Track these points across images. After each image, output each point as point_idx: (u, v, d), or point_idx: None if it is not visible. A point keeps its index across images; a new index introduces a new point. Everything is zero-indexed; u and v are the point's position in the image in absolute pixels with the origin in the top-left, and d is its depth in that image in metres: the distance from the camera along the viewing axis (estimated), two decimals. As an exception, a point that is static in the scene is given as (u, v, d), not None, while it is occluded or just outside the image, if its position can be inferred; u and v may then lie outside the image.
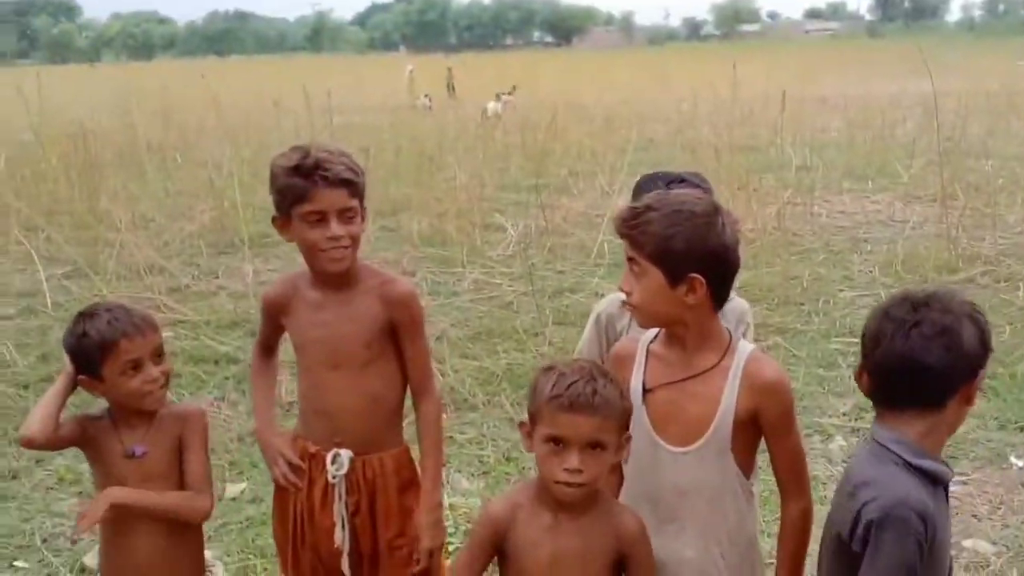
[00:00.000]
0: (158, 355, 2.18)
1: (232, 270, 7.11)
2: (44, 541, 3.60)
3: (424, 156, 10.56)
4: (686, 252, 1.79)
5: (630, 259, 1.84)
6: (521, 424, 1.85)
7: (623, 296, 2.46)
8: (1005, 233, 7.62)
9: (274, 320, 2.37)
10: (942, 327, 1.61)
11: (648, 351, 1.93)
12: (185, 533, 2.26)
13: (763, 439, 1.89)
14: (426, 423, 2.36)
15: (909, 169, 10.19)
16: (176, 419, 2.25)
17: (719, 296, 1.84)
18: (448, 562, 2.41)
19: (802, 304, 6.10)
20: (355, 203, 2.21)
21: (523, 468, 4.11)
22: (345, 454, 2.27)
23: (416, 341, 2.33)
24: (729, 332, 1.90)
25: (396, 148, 11.14)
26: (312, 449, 2.30)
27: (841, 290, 6.44)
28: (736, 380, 1.83)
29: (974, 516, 3.59)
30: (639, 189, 2.43)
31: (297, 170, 2.16)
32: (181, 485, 2.23)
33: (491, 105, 17.97)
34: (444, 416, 4.52)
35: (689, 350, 1.87)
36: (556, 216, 8.43)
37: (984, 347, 1.65)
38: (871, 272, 6.76)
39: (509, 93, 19.98)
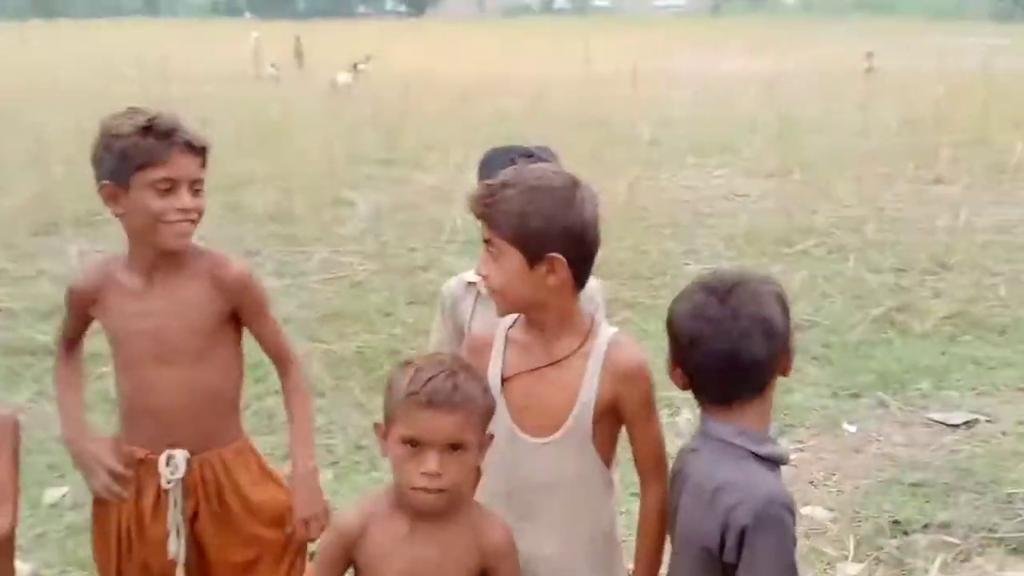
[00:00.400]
0: None
1: (54, 252, 6.59)
2: None
3: (270, 128, 10.14)
4: (544, 230, 1.69)
5: (487, 240, 1.72)
6: (376, 426, 1.71)
7: (468, 277, 2.38)
8: (836, 206, 8.00)
9: (82, 313, 2.13)
10: (759, 317, 1.60)
11: (507, 337, 1.83)
12: None
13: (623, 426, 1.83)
14: (294, 389, 2.20)
15: (749, 145, 10.56)
16: None
17: (580, 277, 1.75)
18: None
19: (651, 278, 6.20)
20: (204, 175, 2.03)
21: (373, 458, 3.97)
22: (180, 455, 2.07)
23: (263, 320, 2.16)
24: (591, 316, 1.83)
25: (239, 120, 10.64)
26: (140, 454, 2.08)
27: (687, 264, 6.59)
28: (597, 366, 1.75)
29: (810, 483, 3.72)
30: (485, 165, 2.32)
31: (149, 131, 1.95)
32: None
33: (342, 76, 17.49)
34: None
35: (548, 336, 1.78)
36: (409, 191, 8.27)
37: (789, 319, 1.67)
38: (715, 246, 6.95)
39: (363, 63, 19.51)
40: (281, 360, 2.22)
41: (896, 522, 3.30)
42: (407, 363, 1.68)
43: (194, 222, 2.03)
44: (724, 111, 13.14)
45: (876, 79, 14.69)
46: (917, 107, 10.73)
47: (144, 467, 2.09)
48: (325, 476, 3.82)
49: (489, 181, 1.74)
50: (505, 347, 1.82)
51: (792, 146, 9.24)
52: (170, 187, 1.98)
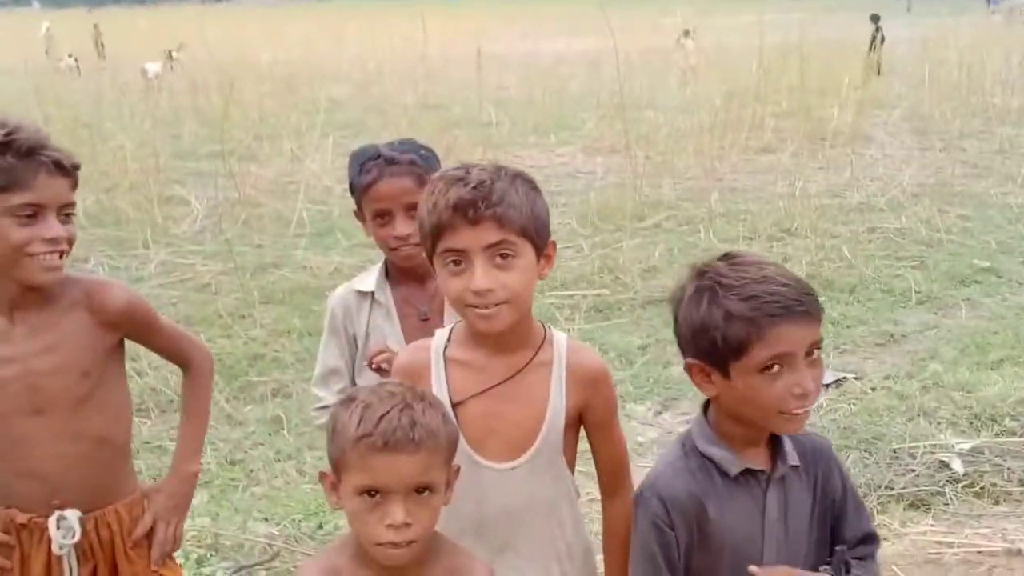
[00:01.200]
0: None
1: None
2: None
3: (79, 124, 9.33)
4: (545, 218, 1.55)
5: (494, 245, 1.50)
6: (322, 475, 1.46)
7: (356, 286, 2.16)
8: (679, 179, 8.21)
9: None
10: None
11: (445, 359, 1.64)
12: None
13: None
14: (194, 382, 1.99)
15: (586, 123, 10.71)
16: None
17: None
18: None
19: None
20: (73, 198, 1.76)
21: (250, 471, 3.69)
22: (72, 516, 1.79)
23: (157, 333, 1.92)
24: (541, 323, 1.67)
25: (44, 116, 9.72)
26: (21, 519, 1.80)
27: (545, 244, 6.56)
28: (562, 375, 1.59)
29: (705, 455, 3.75)
30: (359, 166, 2.12)
31: (8, 147, 1.66)
32: None
33: (151, 66, 16.43)
34: (148, 422, 4.01)
35: (505, 347, 1.59)
36: (245, 185, 7.81)
37: None
38: (570, 224, 6.96)
39: (176, 51, 18.41)
40: (184, 358, 1.98)
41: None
42: (350, 399, 1.44)
43: (65, 253, 1.74)
44: (557, 91, 13.26)
45: (695, 55, 15.24)
46: (737, 81, 11.18)
47: (27, 532, 1.81)
48: (201, 498, 3.52)
49: (470, 180, 1.52)
50: (445, 369, 1.64)
51: (627, 122, 9.40)
52: (34, 213, 1.69)
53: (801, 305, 1.47)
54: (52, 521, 1.79)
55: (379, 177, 2.03)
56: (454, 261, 1.53)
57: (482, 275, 1.51)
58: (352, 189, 2.10)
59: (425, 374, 1.62)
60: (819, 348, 1.50)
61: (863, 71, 11.47)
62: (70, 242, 1.75)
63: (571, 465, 1.68)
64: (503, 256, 1.51)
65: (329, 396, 2.10)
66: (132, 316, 1.84)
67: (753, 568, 1.53)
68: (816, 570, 1.60)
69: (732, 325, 1.47)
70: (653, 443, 3.93)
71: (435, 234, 1.53)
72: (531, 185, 1.57)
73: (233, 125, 10.47)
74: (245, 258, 6.09)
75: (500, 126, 10.11)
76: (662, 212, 7.14)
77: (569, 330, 5.01)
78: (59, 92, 12.50)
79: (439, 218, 1.51)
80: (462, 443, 1.57)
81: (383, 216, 2.05)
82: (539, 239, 1.54)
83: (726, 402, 1.55)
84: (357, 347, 2.12)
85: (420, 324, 2.08)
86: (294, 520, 3.27)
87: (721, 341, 1.48)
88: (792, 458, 1.58)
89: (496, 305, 1.52)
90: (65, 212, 1.74)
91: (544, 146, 10.05)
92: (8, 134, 1.68)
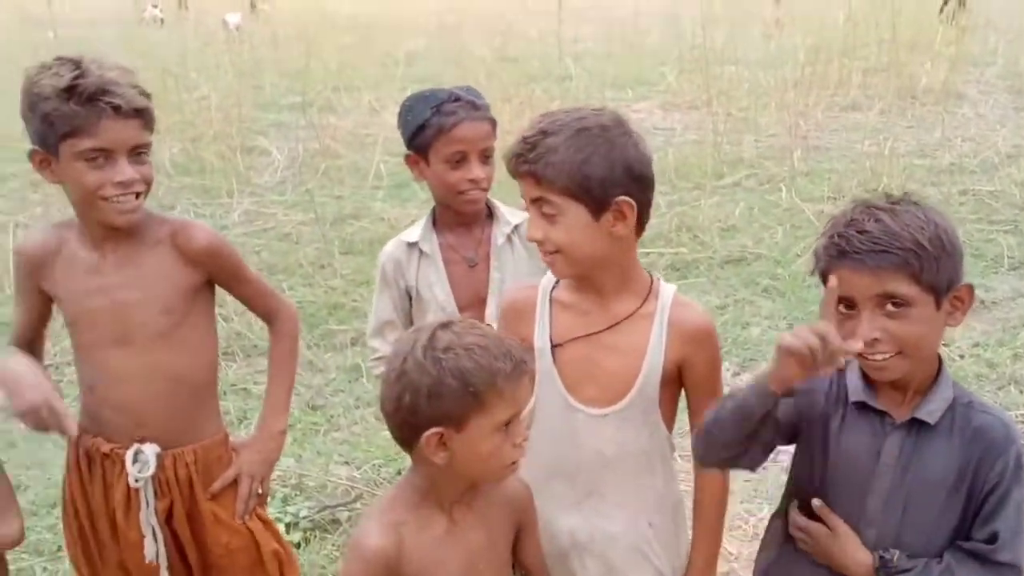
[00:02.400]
0: None
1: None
2: None
3: (167, 74, 9.51)
4: (608, 174, 1.52)
5: (536, 200, 1.54)
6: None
7: (405, 237, 2.19)
8: (760, 136, 8.02)
9: (34, 286, 1.88)
10: None
11: (551, 300, 1.66)
12: None
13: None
14: (281, 341, 2.02)
15: (665, 77, 10.49)
16: None
17: (643, 222, 1.59)
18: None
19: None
20: (148, 138, 1.76)
21: (331, 417, 3.79)
22: (149, 450, 1.85)
23: (243, 281, 1.95)
24: (649, 273, 1.67)
25: (132, 66, 9.96)
26: (105, 448, 1.87)
27: (622, 201, 6.50)
28: (663, 327, 1.61)
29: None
30: (410, 111, 2.14)
31: (72, 93, 1.68)
32: None
33: (231, 17, 16.59)
34: (233, 365, 4.13)
35: (607, 295, 1.61)
36: (324, 137, 7.90)
37: None
38: (648, 181, 6.87)
39: (262, 2, 18.58)
40: (270, 313, 2.02)
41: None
42: (416, 328, 1.49)
43: (141, 194, 1.78)
44: (635, 44, 13.02)
45: (780, 8, 14.76)
46: (823, 34, 10.79)
47: (109, 462, 1.89)
48: (285, 441, 3.64)
49: (525, 134, 1.54)
50: (550, 310, 1.66)
51: (707, 78, 9.18)
52: (103, 157, 1.72)
53: (859, 254, 1.44)
54: (129, 454, 1.86)
55: (463, 120, 2.05)
56: (527, 208, 1.59)
57: (531, 224, 1.58)
58: (418, 131, 2.09)
59: (530, 312, 1.66)
60: (899, 302, 1.44)
61: (954, 25, 10.96)
62: (146, 182, 1.78)
63: (669, 421, 1.69)
64: (543, 213, 1.55)
65: (384, 347, 2.16)
66: (215, 256, 1.88)
67: (816, 502, 1.51)
68: (935, 552, 1.54)
69: (817, 262, 1.50)
70: (728, 403, 3.90)
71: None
72: (600, 140, 1.53)
73: (313, 77, 10.57)
74: (325, 208, 6.18)
75: (577, 80, 9.99)
76: (742, 170, 7.00)
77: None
78: (147, 43, 12.77)
79: (506, 165, 1.59)
80: (557, 384, 1.61)
81: (459, 159, 2.07)
82: (591, 197, 1.53)
83: None
84: (411, 298, 2.17)
85: (467, 271, 2.12)
86: (374, 465, 3.35)
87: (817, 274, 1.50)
88: (928, 415, 1.52)
89: (550, 254, 1.58)
90: (137, 153, 1.75)
91: (621, 100, 9.87)
92: (73, 79, 1.70)
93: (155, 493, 1.89)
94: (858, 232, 1.46)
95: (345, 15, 15.78)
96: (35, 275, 1.88)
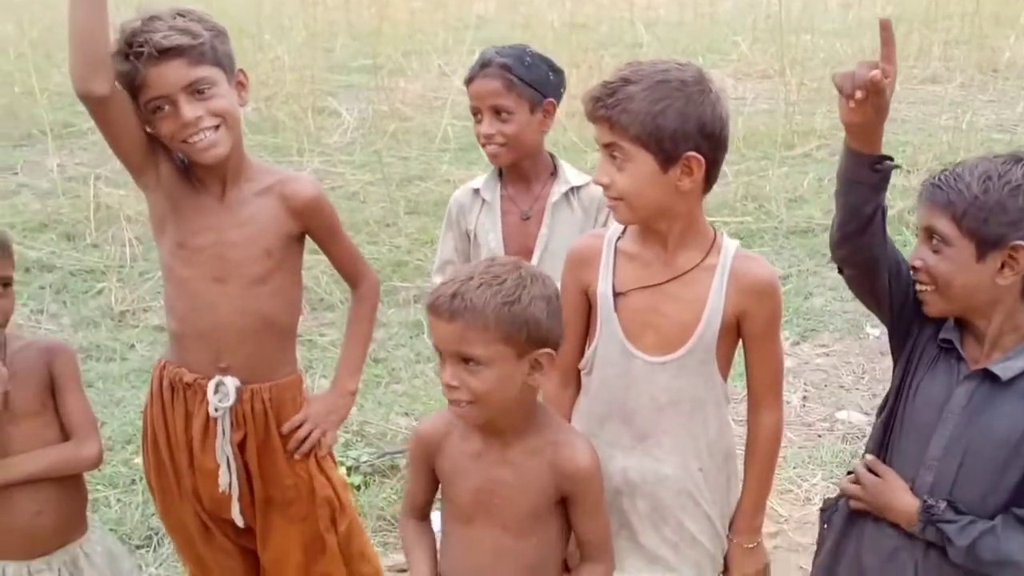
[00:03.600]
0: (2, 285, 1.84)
1: (33, 165, 6.29)
2: None
3: (243, 34, 9.68)
4: (680, 128, 1.55)
5: (608, 145, 1.58)
6: None
7: (474, 185, 2.29)
8: (834, 107, 7.79)
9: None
10: None
11: (616, 249, 1.70)
12: (68, 485, 1.96)
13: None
14: (361, 305, 2.11)
15: (738, 46, 10.31)
16: (39, 354, 1.91)
17: (711, 179, 1.62)
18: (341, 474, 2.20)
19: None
20: (204, 72, 1.77)
21: (392, 370, 3.89)
22: (230, 382, 1.94)
23: (336, 241, 2.03)
24: (713, 227, 1.70)
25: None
26: (188, 378, 1.96)
27: (689, 169, 6.45)
28: (724, 280, 1.64)
29: (842, 387, 3.69)
30: (484, 67, 2.20)
31: (119, 53, 1.73)
32: (57, 422, 1.92)
33: (307, -21, 16.71)
34: (301, 318, 4.26)
35: (671, 247, 1.66)
36: (394, 99, 7.98)
37: None
38: (715, 150, 6.80)
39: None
40: (355, 276, 2.09)
41: None
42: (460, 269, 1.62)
43: (215, 128, 1.79)
44: (708, 12, 12.79)
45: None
46: (904, 4, 10.48)
47: (191, 392, 1.97)
48: (347, 391, 3.75)
49: (607, 79, 1.58)
50: (615, 259, 1.70)
51: (780, 47, 9.01)
52: (167, 104, 1.76)
53: (930, 188, 1.56)
54: (211, 384, 1.94)
55: (473, 77, 2.14)
56: (599, 151, 1.65)
57: (600, 168, 1.63)
58: None
59: (595, 261, 1.71)
60: (938, 238, 1.55)
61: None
62: (216, 114, 1.78)
63: (724, 371, 1.73)
64: (613, 158, 1.59)
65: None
66: (316, 209, 1.95)
67: (868, 456, 1.54)
68: (990, 512, 1.55)
69: None
70: (789, 372, 3.89)
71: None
72: (678, 94, 1.56)
73: (384, 40, 10.66)
74: (392, 169, 6.27)
75: (647, 47, 9.88)
76: (813, 141, 6.88)
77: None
78: (221, 2, 13.01)
79: (584, 108, 1.63)
80: (618, 332, 1.66)
81: (476, 114, 2.16)
82: (660, 148, 1.56)
83: None
84: (470, 241, 2.29)
85: (520, 222, 2.21)
86: (432, 416, 3.43)
87: None
88: (1001, 370, 1.54)
89: (613, 200, 1.63)
90: (194, 90, 1.76)
91: (692, 69, 9.77)
92: (125, 35, 1.75)
93: (231, 425, 1.97)
94: (947, 171, 1.56)
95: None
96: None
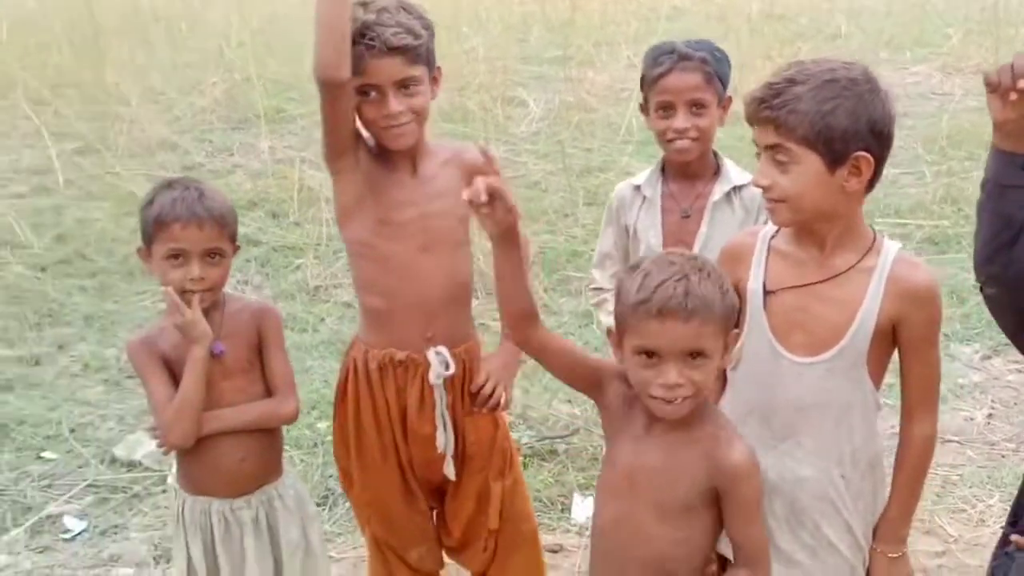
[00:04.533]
0: (212, 255, 2.01)
1: (247, 147, 6.85)
2: (72, 431, 3.53)
3: (441, 27, 10.08)
4: (850, 128, 1.55)
5: (772, 147, 1.58)
6: (609, 332, 1.64)
7: (636, 181, 2.31)
8: (1054, 107, 7.24)
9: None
10: None
11: (770, 247, 1.72)
12: (268, 435, 2.17)
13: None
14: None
15: (949, 40, 9.68)
16: (252, 315, 2.12)
17: (875, 179, 1.62)
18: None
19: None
20: (416, 71, 1.93)
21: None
22: (445, 351, 2.08)
23: None
24: (873, 229, 1.69)
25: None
26: (400, 356, 2.09)
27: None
28: (882, 283, 1.63)
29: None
30: (653, 59, 2.23)
31: (358, 35, 1.90)
32: (262, 379, 2.12)
33: (507, -30, 17.07)
34: (475, 302, 4.44)
35: (828, 248, 1.65)
36: (580, 90, 8.07)
37: None
38: (914, 148, 6.45)
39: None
40: None
41: None
42: (635, 265, 1.58)
43: (411, 123, 1.95)
44: (919, 4, 12.06)
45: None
46: None
47: (403, 368, 2.10)
48: (520, 383, 3.88)
49: (771, 80, 1.58)
50: (767, 257, 1.71)
51: (998, 40, 8.38)
52: (376, 92, 1.91)
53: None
54: (432, 354, 2.07)
55: (670, 70, 2.13)
56: (757, 154, 1.64)
57: (759, 171, 1.62)
58: (641, 81, 2.20)
59: (747, 258, 1.73)
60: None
61: None
62: (415, 111, 1.94)
63: (876, 378, 1.71)
64: (776, 160, 1.58)
65: (601, 277, 2.33)
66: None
67: (1015, 537, 1.47)
68: None
69: None
70: (976, 387, 3.69)
71: (749, 124, 1.65)
72: (848, 93, 1.55)
73: (576, 31, 10.76)
74: (573, 160, 6.36)
75: (849, 39, 9.46)
76: (1027, 142, 6.38)
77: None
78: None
79: (745, 109, 1.62)
80: (766, 330, 1.67)
81: (667, 108, 2.15)
82: (829, 148, 1.55)
83: None
84: (628, 236, 2.31)
85: (680, 220, 2.21)
86: (594, 405, 3.50)
87: None
88: None
89: (774, 202, 1.62)
90: (404, 86, 1.92)
91: (897, 63, 9.25)
92: (357, 30, 1.87)
93: (446, 390, 2.12)
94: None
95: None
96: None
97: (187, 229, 1.96)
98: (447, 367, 2.07)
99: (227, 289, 2.12)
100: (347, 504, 3.14)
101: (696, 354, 1.51)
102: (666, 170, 2.30)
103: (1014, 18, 10.10)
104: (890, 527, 1.75)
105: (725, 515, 1.62)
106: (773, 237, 1.73)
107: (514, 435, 3.32)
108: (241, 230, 5.47)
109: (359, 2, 1.93)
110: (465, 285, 2.14)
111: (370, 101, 1.94)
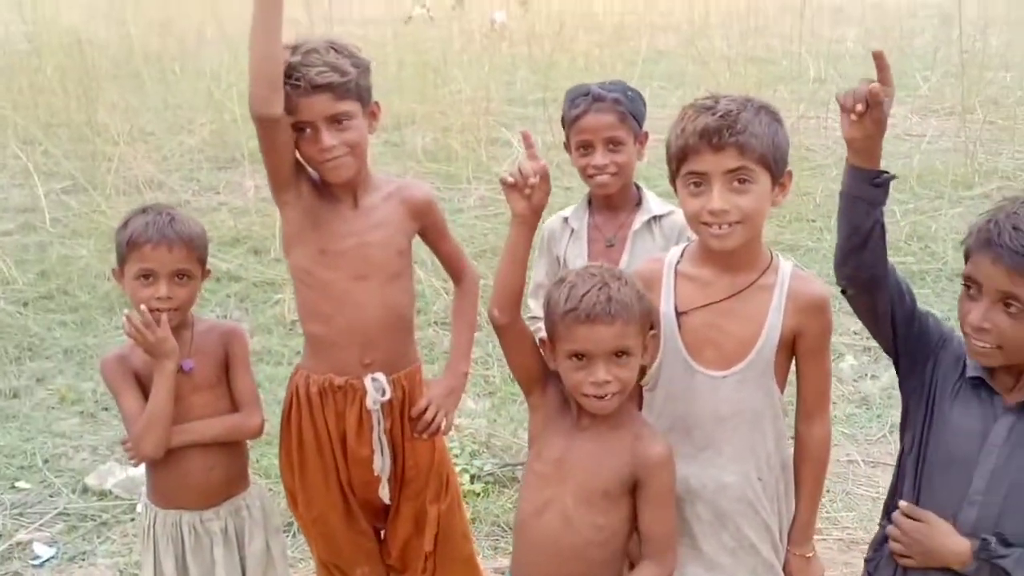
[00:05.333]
0: (180, 276, 2.10)
1: (233, 185, 6.99)
2: (46, 462, 3.60)
3: (428, 68, 10.26)
4: (784, 147, 1.70)
5: (732, 171, 1.67)
6: (542, 342, 1.77)
7: (564, 214, 2.43)
8: (1022, 147, 7.41)
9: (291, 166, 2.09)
10: None
11: (676, 272, 1.82)
12: (234, 448, 2.26)
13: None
14: (465, 298, 2.31)
15: (927, 81, 9.89)
16: (219, 336, 2.21)
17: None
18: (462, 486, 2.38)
19: (814, 220, 5.98)
20: (345, 107, 2.00)
21: (529, 388, 4.06)
22: (382, 377, 2.15)
23: (446, 239, 2.26)
24: (769, 248, 1.80)
25: (399, 61, 10.82)
26: (339, 381, 2.16)
27: (854, 207, 6.30)
28: (783, 298, 1.74)
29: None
30: (570, 100, 2.38)
31: (287, 77, 1.97)
32: (228, 395, 2.21)
33: (498, 15, 17.39)
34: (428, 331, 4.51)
35: (732, 267, 1.76)
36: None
37: None
38: (885, 188, 6.59)
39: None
40: (459, 272, 2.31)
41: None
42: (561, 279, 1.74)
43: (346, 156, 2.02)
44: (899, 45, 12.31)
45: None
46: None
47: (341, 394, 2.17)
48: (483, 405, 3.95)
49: (718, 110, 1.67)
50: (675, 281, 1.81)
51: (974, 83, 8.57)
52: (309, 128, 1.99)
53: (1002, 248, 1.56)
54: (368, 380, 2.15)
55: (586, 111, 2.26)
56: (695, 183, 1.71)
57: (719, 197, 1.68)
58: (562, 121, 2.33)
59: (657, 283, 1.84)
60: (1012, 300, 1.54)
61: None
62: (349, 145, 2.00)
63: (781, 385, 1.83)
64: (740, 181, 1.68)
65: (536, 306, 2.43)
66: (430, 210, 2.19)
67: (903, 503, 1.56)
68: None
69: (968, 237, 1.63)
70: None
71: (680, 157, 1.72)
72: (774, 117, 1.71)
73: (560, 73, 10.96)
74: (554, 198, 6.44)
75: (828, 83, 9.64)
76: (995, 182, 6.54)
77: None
78: (416, 40, 13.77)
79: (686, 142, 1.69)
80: (680, 349, 1.78)
81: (585, 147, 2.27)
82: (776, 168, 1.69)
83: None
84: (560, 266, 2.43)
85: (605, 250, 2.33)
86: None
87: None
88: None
89: (730, 225, 1.69)
90: (335, 121, 1.99)
91: (874, 105, 9.44)
92: (288, 65, 1.94)
93: (383, 415, 2.19)
94: (1013, 228, 1.54)
95: (601, 11, 16.15)
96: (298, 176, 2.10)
97: (157, 250, 2.06)
98: (383, 393, 2.14)
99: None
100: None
101: (621, 353, 1.67)
102: (592, 203, 2.42)
103: (990, 62, 10.34)
104: (800, 528, 1.86)
105: (640, 505, 1.76)
106: (678, 263, 1.83)
107: (477, 462, 3.40)
108: (223, 266, 5.61)
109: (289, 46, 2.01)
110: (404, 314, 2.22)
111: (306, 138, 2.01)
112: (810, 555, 1.87)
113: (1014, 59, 11.07)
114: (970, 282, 1.56)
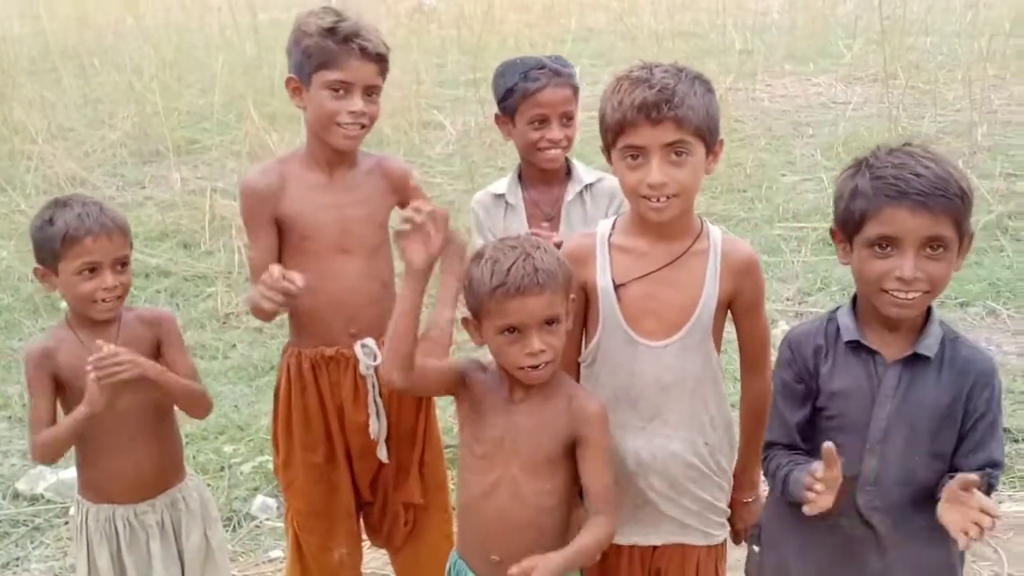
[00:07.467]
0: (121, 264, 2.06)
1: (158, 179, 6.81)
2: (-27, 470, 3.48)
3: (356, 53, 10.14)
4: (716, 117, 1.70)
5: (671, 144, 1.67)
6: (465, 321, 1.75)
7: (494, 189, 2.43)
8: (944, 111, 7.60)
9: (268, 219, 2.17)
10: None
11: (610, 245, 1.81)
12: (167, 439, 2.21)
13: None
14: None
15: (850, 49, 10.06)
16: (147, 323, 2.16)
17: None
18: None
19: (744, 191, 6.06)
20: (381, 82, 2.11)
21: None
22: (372, 342, 2.17)
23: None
24: (699, 216, 1.81)
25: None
26: (329, 352, 2.20)
27: (783, 175, 6.41)
28: (717, 263, 1.76)
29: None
30: (501, 77, 2.39)
31: (332, 33, 2.04)
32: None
33: (427, -3, 17.22)
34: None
35: (667, 236, 1.77)
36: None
37: None
38: (813, 156, 6.72)
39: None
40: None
41: (1007, 430, 3.20)
42: (478, 255, 1.72)
43: (365, 126, 2.12)
44: (822, 14, 12.51)
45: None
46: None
47: (334, 363, 2.21)
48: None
49: (654, 82, 1.66)
50: (609, 254, 1.81)
51: (896, 49, 8.74)
52: (344, 90, 2.07)
53: (922, 196, 1.50)
54: (358, 347, 2.18)
55: (546, 85, 2.24)
56: (632, 156, 1.71)
57: (658, 170, 1.68)
58: (507, 94, 2.29)
59: (590, 259, 1.83)
60: (940, 245, 1.53)
61: None
62: (371, 118, 2.10)
63: (717, 346, 1.85)
64: (678, 154, 1.68)
65: None
66: (407, 182, 2.17)
67: (828, 444, 1.59)
68: (930, 485, 1.62)
69: (856, 200, 1.57)
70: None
71: (617, 130, 1.71)
72: (707, 87, 1.72)
73: (490, 55, 10.90)
74: (486, 179, 6.44)
75: (755, 54, 9.77)
76: (918, 145, 6.68)
77: (794, 262, 4.94)
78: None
79: (623, 116, 1.68)
80: (620, 321, 1.78)
81: (541, 121, 2.25)
82: (711, 138, 1.70)
83: (854, 275, 1.63)
84: None
85: (544, 224, 2.30)
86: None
87: (845, 212, 1.60)
88: (927, 349, 1.61)
89: (668, 198, 1.70)
90: (368, 92, 2.08)
91: (800, 75, 9.60)
92: (335, 22, 2.04)
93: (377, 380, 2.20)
94: (913, 175, 1.54)
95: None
96: (268, 205, 2.17)
97: (98, 241, 2.02)
98: (374, 358, 2.17)
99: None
100: (251, 524, 3.16)
101: (551, 320, 1.69)
102: (523, 178, 2.40)
103: (915, 28, 10.55)
104: (743, 475, 1.93)
105: (581, 463, 1.77)
106: (611, 235, 1.83)
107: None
108: (152, 261, 5.48)
109: (327, 9, 2.08)
110: (386, 282, 2.25)
111: (337, 97, 2.07)
112: (749, 500, 1.94)
113: (934, 24, 11.30)
114: (884, 240, 1.57)
